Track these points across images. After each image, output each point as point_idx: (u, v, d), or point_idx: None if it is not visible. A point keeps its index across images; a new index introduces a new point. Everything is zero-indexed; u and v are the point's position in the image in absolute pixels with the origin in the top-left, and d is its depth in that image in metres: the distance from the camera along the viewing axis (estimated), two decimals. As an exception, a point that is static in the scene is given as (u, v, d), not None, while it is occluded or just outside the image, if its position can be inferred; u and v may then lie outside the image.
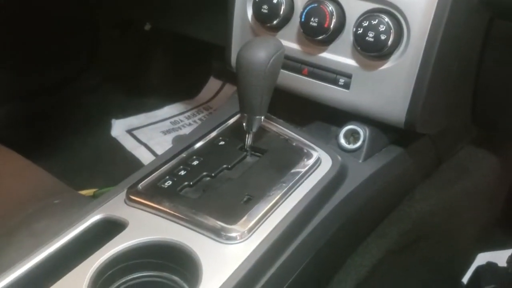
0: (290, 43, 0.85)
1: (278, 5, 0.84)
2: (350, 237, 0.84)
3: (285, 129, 0.86)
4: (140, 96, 1.87)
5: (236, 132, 0.84)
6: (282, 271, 0.67)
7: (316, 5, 0.80)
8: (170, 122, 1.85)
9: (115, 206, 0.72)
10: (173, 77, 1.90)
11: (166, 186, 0.74)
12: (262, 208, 0.69)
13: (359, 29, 0.78)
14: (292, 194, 0.73)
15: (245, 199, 0.71)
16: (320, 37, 0.81)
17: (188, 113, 1.90)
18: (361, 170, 0.82)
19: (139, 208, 0.71)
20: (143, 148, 1.72)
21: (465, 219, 1.11)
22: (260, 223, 0.68)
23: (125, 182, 0.77)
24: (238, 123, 0.87)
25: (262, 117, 0.78)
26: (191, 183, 0.74)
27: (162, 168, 0.77)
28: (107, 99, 1.81)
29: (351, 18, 0.80)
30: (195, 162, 0.78)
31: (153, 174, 0.76)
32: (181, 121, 1.86)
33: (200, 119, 1.86)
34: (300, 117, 0.91)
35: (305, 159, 0.79)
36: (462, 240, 1.16)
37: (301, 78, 0.86)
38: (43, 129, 1.60)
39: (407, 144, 0.89)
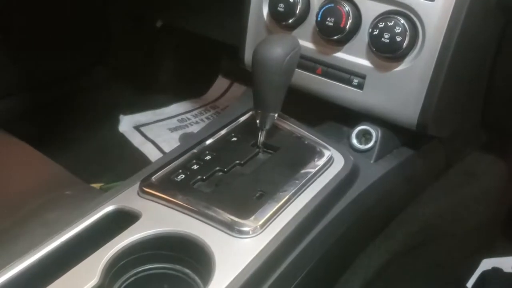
0: (305, 42, 0.86)
1: (295, 4, 0.84)
2: (359, 237, 0.84)
3: (297, 128, 0.87)
4: (148, 93, 1.87)
5: (249, 129, 0.85)
6: (292, 268, 0.67)
7: (332, 5, 0.81)
8: (177, 120, 1.85)
9: (128, 198, 0.73)
10: (181, 75, 1.91)
11: (179, 180, 0.74)
12: (275, 204, 0.70)
13: (374, 30, 0.78)
14: (305, 192, 0.73)
15: (257, 194, 0.71)
16: (336, 37, 0.82)
17: (195, 112, 1.90)
18: (372, 170, 0.83)
19: (152, 200, 0.71)
20: (150, 145, 1.73)
21: (471, 224, 1.12)
22: (273, 219, 0.68)
23: (138, 175, 0.78)
24: (250, 120, 0.88)
25: (276, 115, 0.79)
26: (204, 177, 0.75)
27: (175, 162, 0.78)
28: (116, 94, 1.82)
29: (367, 19, 0.81)
30: (208, 157, 0.79)
31: (166, 168, 0.77)
32: (188, 119, 1.87)
33: (207, 117, 1.86)
34: (313, 117, 0.92)
35: (318, 158, 0.79)
36: (467, 245, 1.17)
37: (315, 78, 0.87)
38: (51, 121, 1.61)
39: (418, 146, 0.90)
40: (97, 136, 1.68)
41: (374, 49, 0.80)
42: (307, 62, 0.87)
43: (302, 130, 0.86)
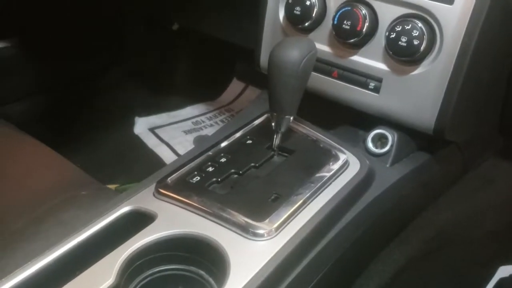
0: (321, 45, 0.86)
1: (311, 7, 0.84)
2: (374, 241, 0.83)
3: (313, 131, 0.87)
4: (163, 95, 1.88)
5: (264, 132, 0.85)
6: (307, 271, 0.67)
7: (349, 8, 0.81)
8: (192, 122, 1.86)
9: (144, 199, 0.73)
10: (196, 78, 1.91)
11: (194, 181, 0.75)
12: (290, 207, 0.70)
13: (392, 33, 0.78)
14: (320, 195, 0.73)
15: (272, 197, 0.71)
16: (352, 40, 0.82)
17: (210, 114, 1.91)
18: (388, 174, 0.82)
19: (167, 202, 0.72)
20: (164, 147, 1.74)
21: (488, 230, 1.10)
22: (288, 222, 0.68)
23: (153, 177, 0.78)
24: (265, 123, 0.88)
25: (292, 118, 0.79)
26: (219, 179, 0.75)
27: (190, 164, 0.78)
28: (131, 96, 1.83)
29: (384, 22, 0.80)
30: (223, 160, 0.79)
31: (182, 170, 0.77)
32: (203, 121, 1.87)
33: (221, 120, 1.87)
34: (329, 120, 0.91)
35: (333, 161, 0.79)
36: (483, 251, 1.15)
37: (331, 81, 0.86)
38: (68, 123, 1.63)
39: (435, 151, 0.89)
40: (113, 138, 1.70)
41: (391, 53, 0.79)
42: (323, 65, 0.87)
43: (317, 133, 0.86)
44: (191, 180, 0.75)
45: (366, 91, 0.84)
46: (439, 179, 0.92)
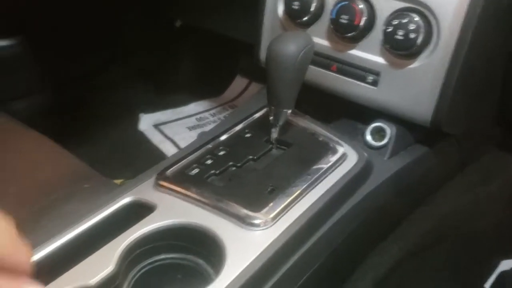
0: (319, 39, 0.87)
1: (309, 1, 0.85)
2: (370, 234, 0.84)
3: (311, 124, 0.88)
4: (167, 92, 1.90)
5: (263, 126, 0.86)
6: (302, 261, 0.68)
7: (347, 2, 0.82)
8: (196, 119, 1.88)
9: (144, 191, 0.74)
10: (200, 74, 1.93)
11: (193, 174, 0.76)
12: (286, 198, 0.71)
13: (388, 27, 0.79)
14: (317, 187, 0.74)
15: (269, 189, 0.73)
16: (350, 34, 0.83)
17: (213, 111, 1.92)
18: (386, 167, 0.83)
19: (167, 193, 0.73)
20: (169, 143, 1.75)
21: (487, 224, 1.11)
22: (284, 213, 0.69)
23: (153, 169, 0.79)
24: (264, 117, 0.89)
25: (289, 111, 0.80)
26: (217, 171, 0.76)
27: (189, 157, 0.80)
28: (136, 93, 1.85)
29: (381, 16, 0.81)
30: (222, 153, 0.80)
31: (181, 162, 0.78)
32: (207, 118, 1.89)
33: (224, 116, 1.88)
34: (327, 114, 0.92)
35: (331, 154, 0.80)
36: (483, 245, 1.15)
37: (330, 74, 0.87)
38: (73, 119, 1.65)
39: (432, 144, 0.90)
40: (118, 134, 1.71)
41: (388, 47, 0.80)
42: (321, 59, 0.88)
43: (315, 126, 0.87)
44: (190, 173, 0.76)
45: (365, 84, 0.85)
46: (436, 172, 0.93)
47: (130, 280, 0.66)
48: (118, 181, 1.41)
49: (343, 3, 0.82)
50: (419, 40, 0.77)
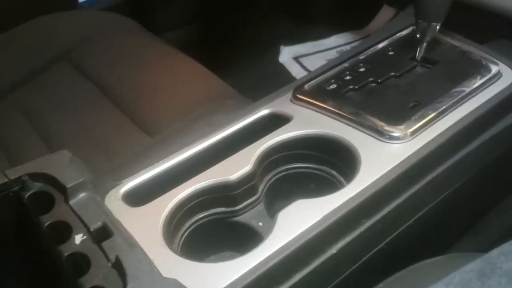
0: None
1: None
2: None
3: (462, 42, 0.80)
4: (308, 25, 1.88)
5: (408, 44, 0.81)
6: (440, 180, 0.65)
7: None
8: (337, 52, 1.84)
9: (282, 103, 0.76)
10: (342, 6, 1.87)
11: (331, 88, 0.75)
12: (429, 113, 0.67)
13: None
14: (464, 104, 0.69)
15: (411, 104, 0.69)
16: None
17: (355, 44, 1.86)
18: None
19: (303, 106, 0.74)
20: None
21: None
22: (425, 128, 0.66)
23: (292, 85, 0.80)
24: (410, 35, 0.84)
25: (438, 25, 0.74)
26: (356, 87, 0.74)
27: (327, 73, 0.79)
28: (277, 26, 1.86)
29: None
30: (362, 69, 0.78)
31: (319, 77, 0.78)
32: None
33: (367, 50, 1.81)
34: (481, 33, 0.84)
35: (483, 72, 0.73)
36: None
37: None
38: (218, 50, 1.73)
39: None
40: (258, 66, 1.76)
41: None
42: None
43: (467, 44, 0.80)
44: (327, 87, 0.76)
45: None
46: None
47: (265, 183, 0.69)
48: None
49: None
50: None
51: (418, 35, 0.76)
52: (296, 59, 1.83)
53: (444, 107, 0.68)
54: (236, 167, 0.64)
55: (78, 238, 0.50)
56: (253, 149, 0.67)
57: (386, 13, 1.85)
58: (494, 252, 0.49)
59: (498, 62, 0.75)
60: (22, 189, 0.55)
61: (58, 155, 0.57)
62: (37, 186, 0.55)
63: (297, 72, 1.76)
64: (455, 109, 0.68)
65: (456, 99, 0.69)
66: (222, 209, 0.66)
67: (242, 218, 0.66)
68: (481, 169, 0.68)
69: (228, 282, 0.50)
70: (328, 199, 0.59)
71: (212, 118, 0.90)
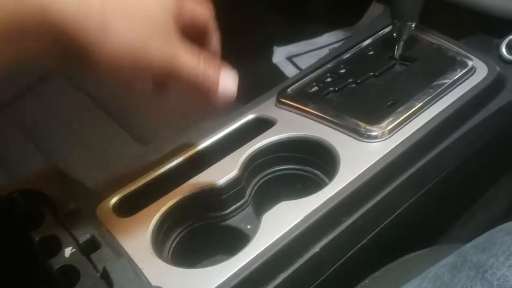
0: None
1: None
2: (499, 156, 0.79)
3: (437, 39, 0.83)
4: (300, 24, 1.90)
5: (386, 43, 0.83)
6: (419, 175, 0.67)
7: None
8: (329, 50, 1.86)
9: (266, 108, 0.78)
10: (334, 4, 1.89)
11: (312, 91, 0.78)
12: (406, 111, 0.69)
13: None
14: (440, 100, 0.71)
15: (389, 103, 0.72)
16: None
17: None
18: None
19: (287, 110, 0.76)
20: (301, 75, 1.78)
21: None
22: (402, 126, 0.68)
23: (275, 89, 0.83)
24: (390, 34, 0.86)
25: (413, 24, 0.76)
26: (337, 88, 0.77)
27: (310, 76, 0.81)
28: (269, 26, 1.88)
29: None
30: (342, 71, 0.80)
31: (301, 81, 0.81)
32: (340, 48, 1.86)
33: (359, 46, 1.83)
34: (456, 28, 0.86)
35: (458, 68, 0.76)
36: None
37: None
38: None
39: None
40: (252, 68, 1.78)
41: None
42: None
43: (442, 40, 0.82)
44: (309, 90, 0.78)
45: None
46: None
47: (252, 186, 0.72)
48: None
49: None
50: None
51: (394, 34, 0.78)
52: (289, 59, 1.85)
53: (421, 104, 0.70)
54: (223, 173, 0.67)
55: (68, 251, 0.52)
56: (239, 154, 0.70)
57: (375, 9, 1.87)
58: (468, 245, 0.52)
59: (473, 57, 0.77)
60: (12, 206, 0.58)
61: (48, 170, 0.60)
62: (27, 202, 0.58)
63: (290, 71, 1.78)
64: (431, 105, 0.71)
65: (432, 95, 0.71)
66: (211, 214, 0.68)
67: (231, 221, 0.69)
68: (460, 163, 0.71)
69: (214, 286, 0.52)
70: (309, 200, 0.61)
71: (202, 123, 0.92)
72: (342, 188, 0.61)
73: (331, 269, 0.62)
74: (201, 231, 0.68)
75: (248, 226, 0.69)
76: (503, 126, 0.73)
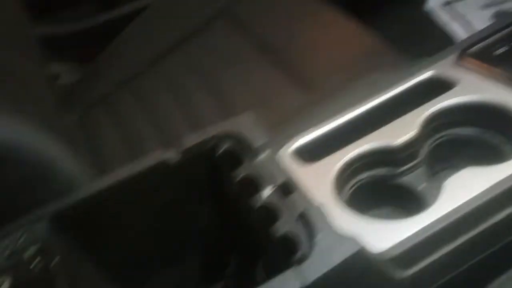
0: None
1: None
2: None
3: None
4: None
5: None
6: None
7: None
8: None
9: (445, 67, 0.76)
10: None
11: (500, 52, 0.73)
12: None
13: None
14: None
15: None
16: None
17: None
18: None
19: (470, 70, 0.73)
20: (456, 23, 1.67)
21: None
22: None
23: (455, 46, 0.79)
24: None
25: None
26: (530, 51, 0.72)
27: (496, 35, 0.76)
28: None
29: None
30: (537, 31, 0.74)
31: (487, 40, 0.76)
32: (504, -5, 1.69)
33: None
34: None
35: None
36: None
37: None
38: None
39: None
40: (404, 13, 1.70)
41: None
42: None
43: None
44: (496, 51, 0.74)
45: None
46: None
47: (427, 148, 0.71)
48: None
49: None
50: None
51: None
52: (445, 5, 1.73)
53: None
54: (401, 132, 0.67)
55: (266, 193, 0.57)
56: (417, 114, 0.69)
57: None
58: None
59: None
60: (214, 148, 0.64)
61: (245, 117, 0.65)
62: (226, 145, 0.64)
63: (445, 20, 1.68)
64: None
65: None
66: (384, 170, 0.70)
67: (402, 180, 0.70)
68: None
69: (399, 240, 0.54)
70: (495, 169, 0.59)
71: (370, 77, 0.92)
72: None
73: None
74: (372, 185, 0.70)
75: (420, 187, 0.69)
76: None
